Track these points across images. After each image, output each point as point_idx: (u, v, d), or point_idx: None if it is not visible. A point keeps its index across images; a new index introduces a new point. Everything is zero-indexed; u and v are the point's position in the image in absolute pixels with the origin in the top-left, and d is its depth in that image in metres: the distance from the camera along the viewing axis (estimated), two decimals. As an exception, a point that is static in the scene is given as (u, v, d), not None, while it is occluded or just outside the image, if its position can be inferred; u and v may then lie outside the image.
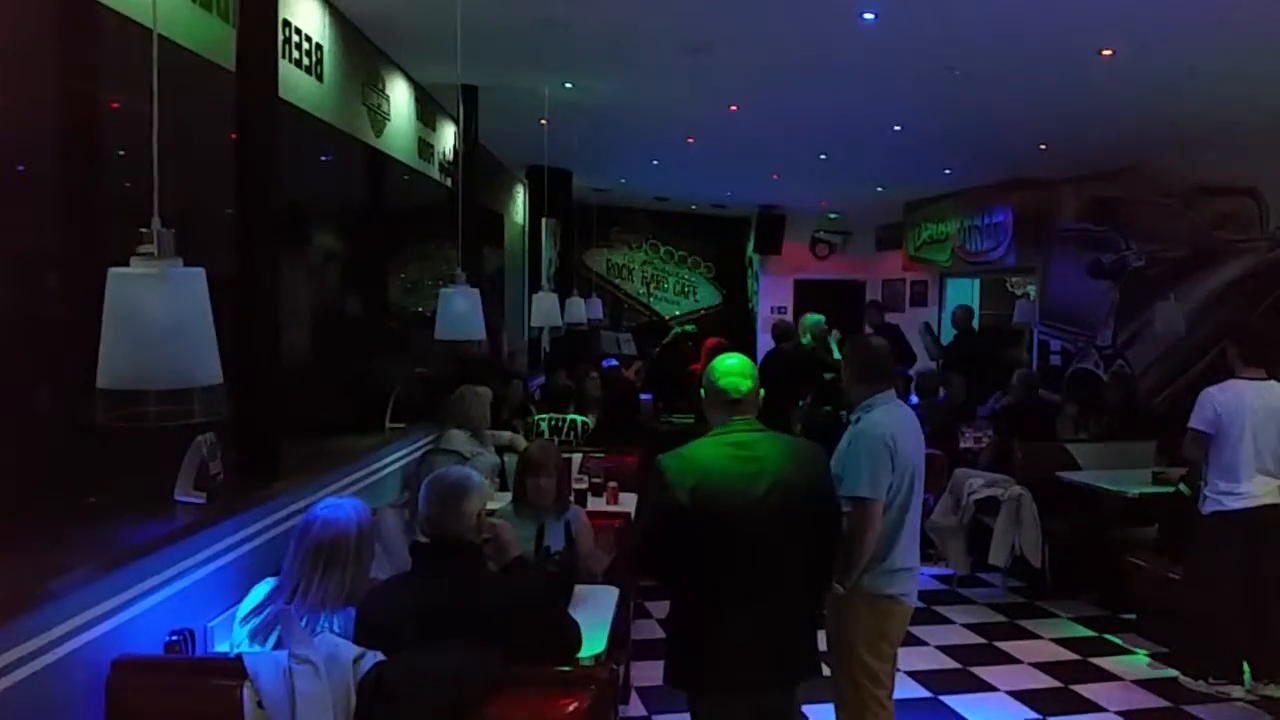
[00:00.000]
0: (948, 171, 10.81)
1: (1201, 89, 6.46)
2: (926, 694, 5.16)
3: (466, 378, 5.99)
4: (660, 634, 5.09)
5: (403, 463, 5.50)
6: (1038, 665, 5.59)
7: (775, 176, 11.86)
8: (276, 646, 2.83)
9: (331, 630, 2.84)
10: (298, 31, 4.78)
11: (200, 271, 1.97)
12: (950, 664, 5.61)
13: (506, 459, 5.66)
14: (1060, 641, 5.98)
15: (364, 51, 5.89)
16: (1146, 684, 5.33)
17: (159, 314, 1.91)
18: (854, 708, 3.65)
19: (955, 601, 6.74)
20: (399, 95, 6.63)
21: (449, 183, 7.90)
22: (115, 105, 3.43)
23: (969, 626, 6.24)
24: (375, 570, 3.18)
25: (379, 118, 6.20)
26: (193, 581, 3.07)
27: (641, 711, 4.80)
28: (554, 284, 10.75)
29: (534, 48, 6.06)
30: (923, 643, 5.86)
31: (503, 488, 5.24)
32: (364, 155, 6.12)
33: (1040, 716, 4.93)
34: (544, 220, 11.19)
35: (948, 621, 6.33)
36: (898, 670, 3.85)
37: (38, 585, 2.44)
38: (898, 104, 7.46)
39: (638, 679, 4.96)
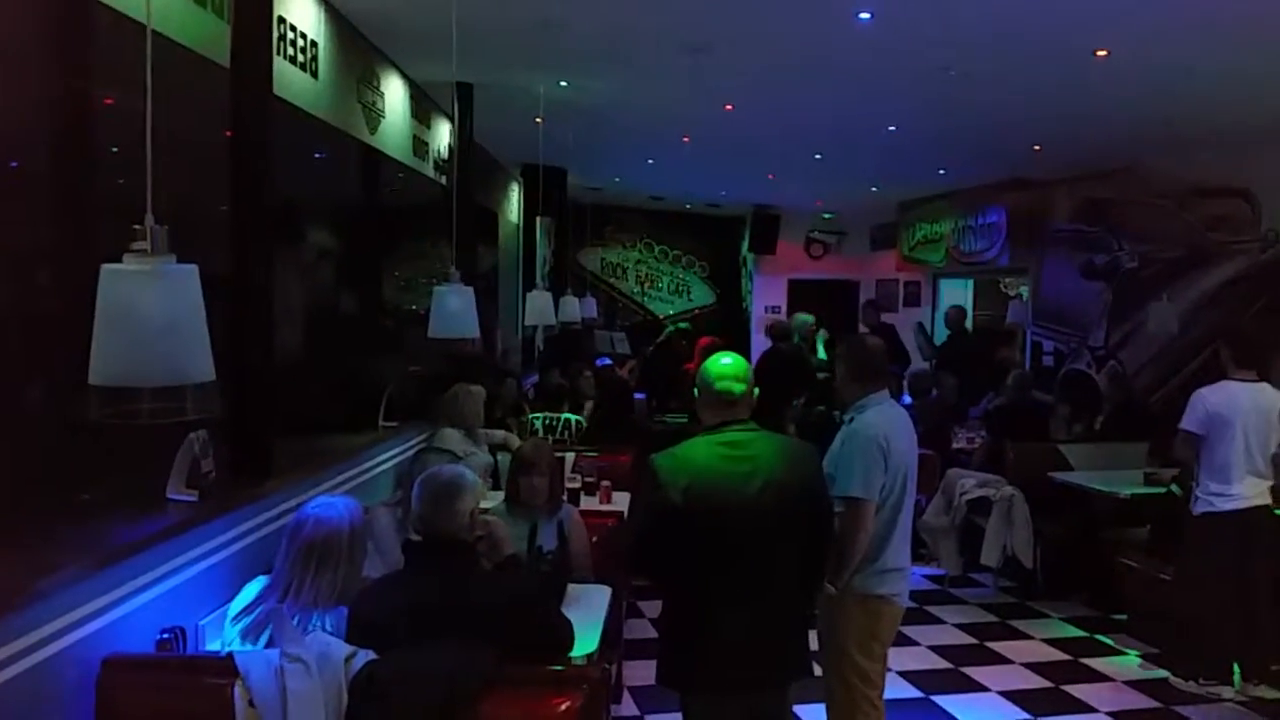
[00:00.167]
0: (942, 172, 10.83)
1: (1196, 90, 6.47)
2: (918, 694, 5.17)
3: (460, 376, 5.98)
4: (653, 634, 5.09)
5: (395, 461, 5.49)
6: (1029, 665, 5.60)
7: (770, 176, 11.87)
8: (268, 645, 2.82)
9: (324, 629, 2.83)
10: (293, 28, 4.77)
11: (193, 268, 1.97)
12: (942, 664, 5.62)
13: (500, 458, 5.66)
14: (1051, 642, 5.99)
15: (359, 48, 5.88)
16: (1137, 685, 5.35)
17: (152, 311, 1.90)
18: (845, 708, 3.66)
19: (947, 601, 6.76)
20: (394, 92, 6.62)
21: (444, 180, 7.89)
22: (109, 102, 3.41)
23: (960, 627, 6.25)
24: (367, 569, 3.18)
25: (374, 115, 6.19)
26: (184, 579, 3.06)
27: (634, 711, 4.80)
28: (548, 282, 10.75)
29: (529, 46, 6.05)
30: (914, 643, 5.87)
31: (496, 486, 5.23)
32: (359, 152, 6.11)
33: (1031, 717, 4.94)
34: (539, 218, 11.18)
35: (939, 621, 6.34)
36: (889, 670, 3.86)
37: (28, 583, 2.43)
38: (893, 104, 7.47)
39: (630, 678, 4.97)
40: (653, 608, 5.58)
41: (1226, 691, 5.12)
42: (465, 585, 2.85)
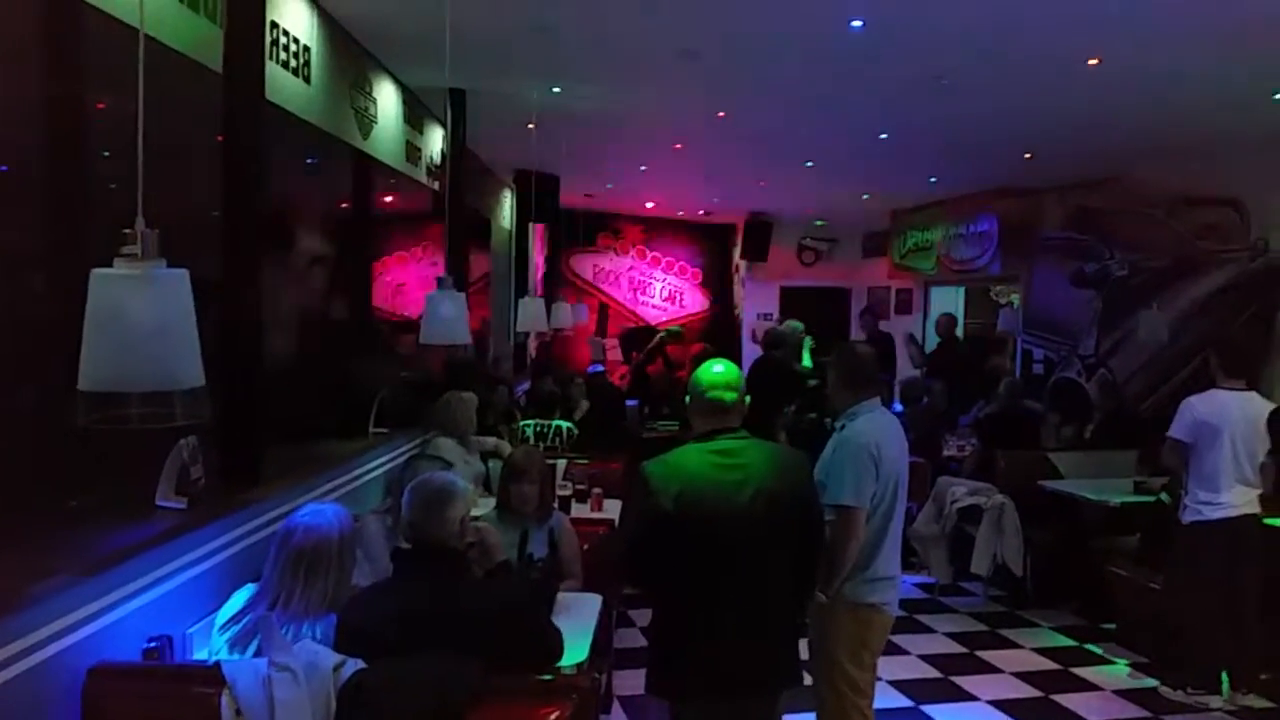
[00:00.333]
0: (933, 180, 10.86)
1: (1186, 99, 6.51)
2: (908, 703, 5.17)
3: (452, 383, 5.97)
4: (643, 643, 5.07)
5: (386, 468, 5.47)
6: (1019, 675, 5.61)
7: (762, 183, 11.89)
8: (257, 654, 2.80)
9: (313, 638, 2.82)
10: (285, 33, 4.76)
11: (184, 273, 1.96)
12: (932, 673, 5.62)
13: (491, 465, 5.65)
14: (1041, 651, 6.00)
15: (352, 54, 5.87)
16: (1126, 694, 5.35)
17: (142, 316, 1.89)
18: (835, 716, 3.66)
19: (937, 610, 6.76)
20: (387, 98, 6.62)
21: (436, 186, 7.89)
22: (100, 106, 3.40)
23: (950, 635, 6.25)
24: (356, 577, 3.16)
25: (366, 121, 6.18)
26: (172, 587, 3.04)
27: None
28: (541, 289, 10.74)
29: (523, 52, 6.05)
30: (904, 651, 5.87)
31: (488, 493, 5.22)
32: (351, 158, 6.10)
33: (1021, 726, 4.95)
34: (531, 225, 11.18)
35: (929, 630, 6.34)
36: (879, 679, 3.86)
37: (13, 590, 2.41)
38: (884, 112, 7.49)
39: (620, 688, 4.95)
40: (643, 616, 5.57)
41: (1215, 700, 5.13)
42: (455, 593, 2.84)
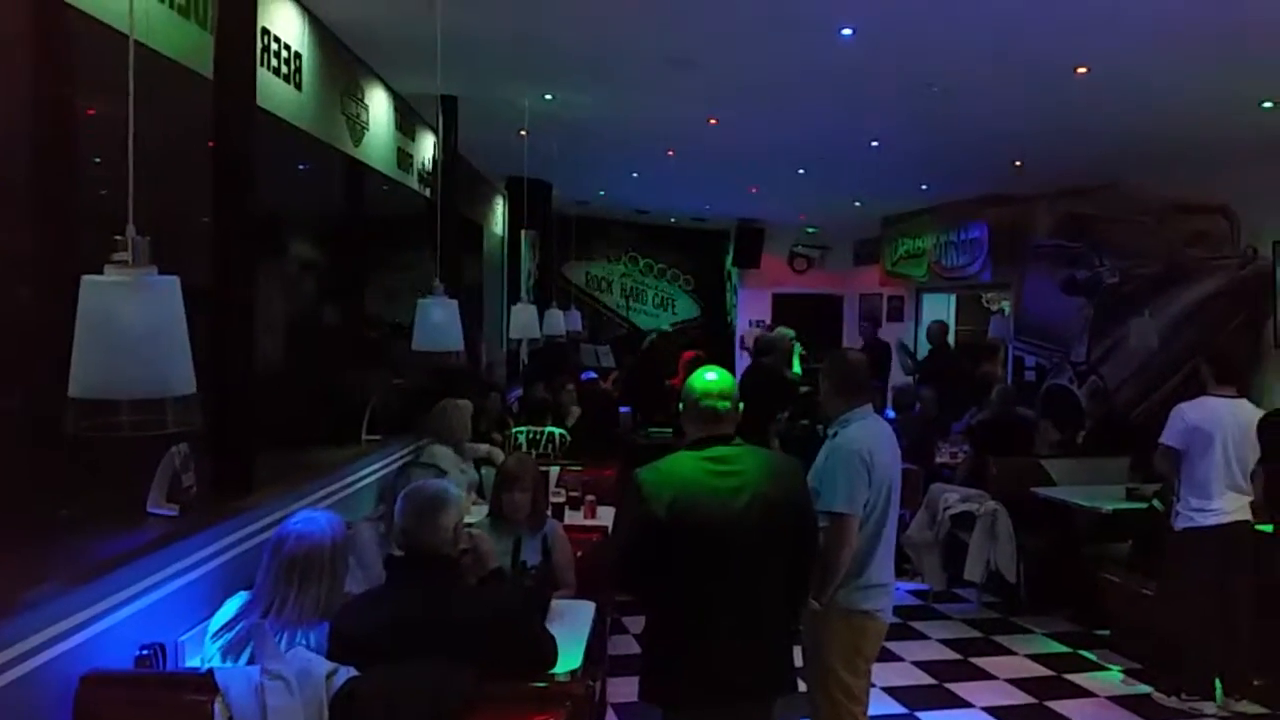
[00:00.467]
0: (924, 187, 10.90)
1: (1174, 108, 6.54)
2: (902, 710, 5.16)
3: (444, 389, 5.95)
4: (637, 650, 5.06)
5: (378, 475, 5.45)
6: (1012, 681, 5.61)
7: (754, 190, 11.91)
8: (250, 662, 2.79)
9: (307, 646, 2.80)
10: (276, 40, 4.76)
11: (175, 280, 1.95)
12: (926, 680, 5.61)
13: (484, 471, 5.63)
14: (1034, 657, 6.00)
15: (343, 61, 5.87)
16: (1120, 700, 5.35)
17: (133, 322, 1.89)
18: (830, 723, 3.65)
19: (930, 617, 6.76)
20: (378, 105, 6.61)
21: (428, 193, 7.88)
22: (91, 112, 3.39)
23: (944, 642, 6.25)
24: (349, 584, 3.15)
25: (358, 127, 6.18)
26: (164, 595, 3.03)
27: (617, 727, 4.78)
28: (533, 296, 10.73)
29: (514, 59, 6.06)
30: (898, 658, 5.86)
31: (481, 500, 5.21)
32: (342, 165, 6.09)
33: (1015, 732, 4.95)
34: (523, 232, 11.18)
35: (923, 637, 6.34)
36: (873, 686, 3.85)
37: (5, 598, 2.39)
38: (875, 119, 7.51)
39: (614, 695, 4.94)
40: (637, 623, 5.55)
41: (1208, 707, 5.13)
42: (448, 600, 2.83)
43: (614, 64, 6.22)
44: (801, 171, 10.02)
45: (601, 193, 12.82)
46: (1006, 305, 11.57)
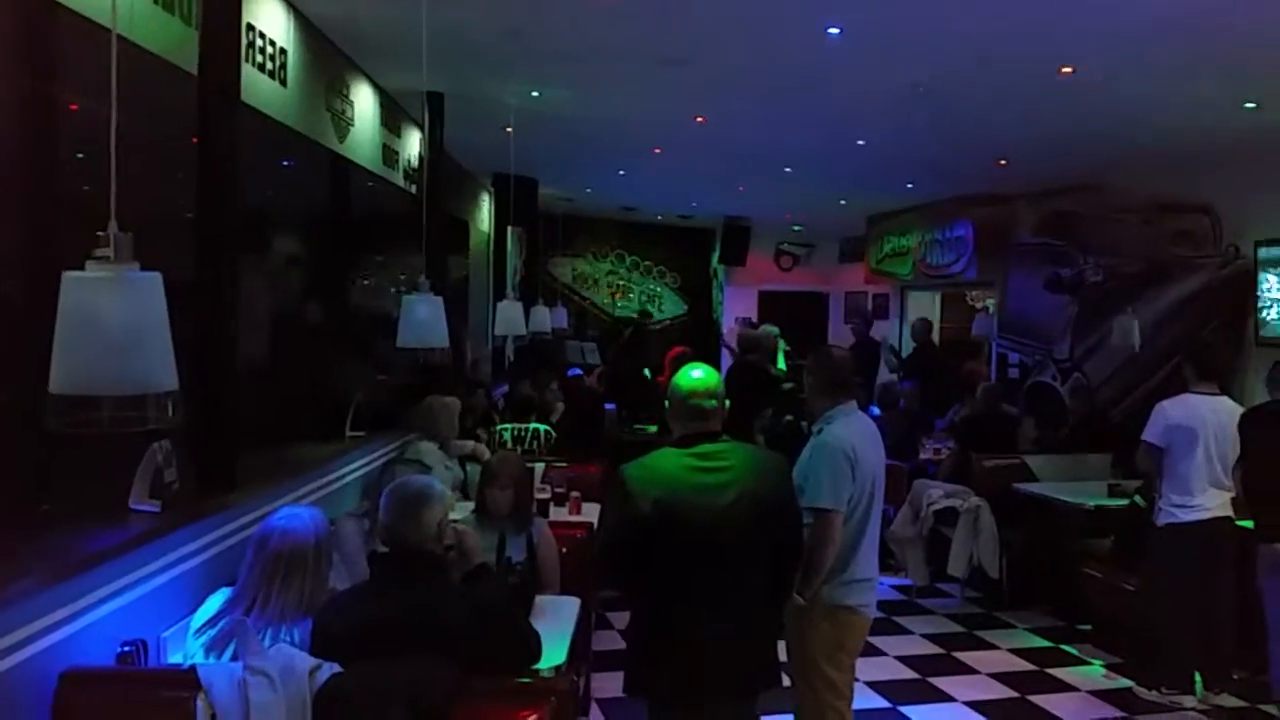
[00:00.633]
0: (910, 185, 10.93)
1: (1158, 108, 6.59)
2: (885, 704, 5.19)
3: (429, 386, 5.94)
4: (622, 645, 5.07)
5: (362, 472, 5.44)
6: (995, 676, 5.64)
7: (741, 188, 11.93)
8: (233, 659, 2.79)
9: (290, 642, 2.80)
10: (261, 35, 4.74)
11: (157, 276, 1.95)
12: (909, 674, 5.64)
13: (470, 469, 5.63)
14: (1017, 652, 6.04)
15: (328, 56, 5.85)
16: (1101, 694, 5.40)
17: (114, 319, 1.88)
18: (814, 718, 3.67)
19: (914, 612, 6.79)
20: (363, 101, 6.60)
21: (413, 190, 7.86)
22: (74, 107, 3.37)
23: (927, 637, 6.28)
24: (333, 580, 3.15)
25: (343, 123, 6.16)
26: (146, 591, 3.02)
27: (602, 723, 4.78)
28: (519, 293, 10.72)
29: (500, 56, 6.05)
30: (882, 653, 5.89)
31: (466, 497, 5.21)
32: (327, 161, 6.07)
33: (997, 727, 4.97)
34: (509, 228, 11.17)
35: (906, 632, 6.37)
36: (857, 680, 3.87)
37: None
38: (861, 118, 7.54)
39: (598, 690, 4.94)
40: (622, 619, 5.57)
41: (1189, 700, 5.17)
42: (431, 597, 2.83)
43: (601, 61, 6.22)
44: (788, 170, 10.03)
45: (588, 190, 12.81)
46: (991, 303, 11.62)
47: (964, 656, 5.95)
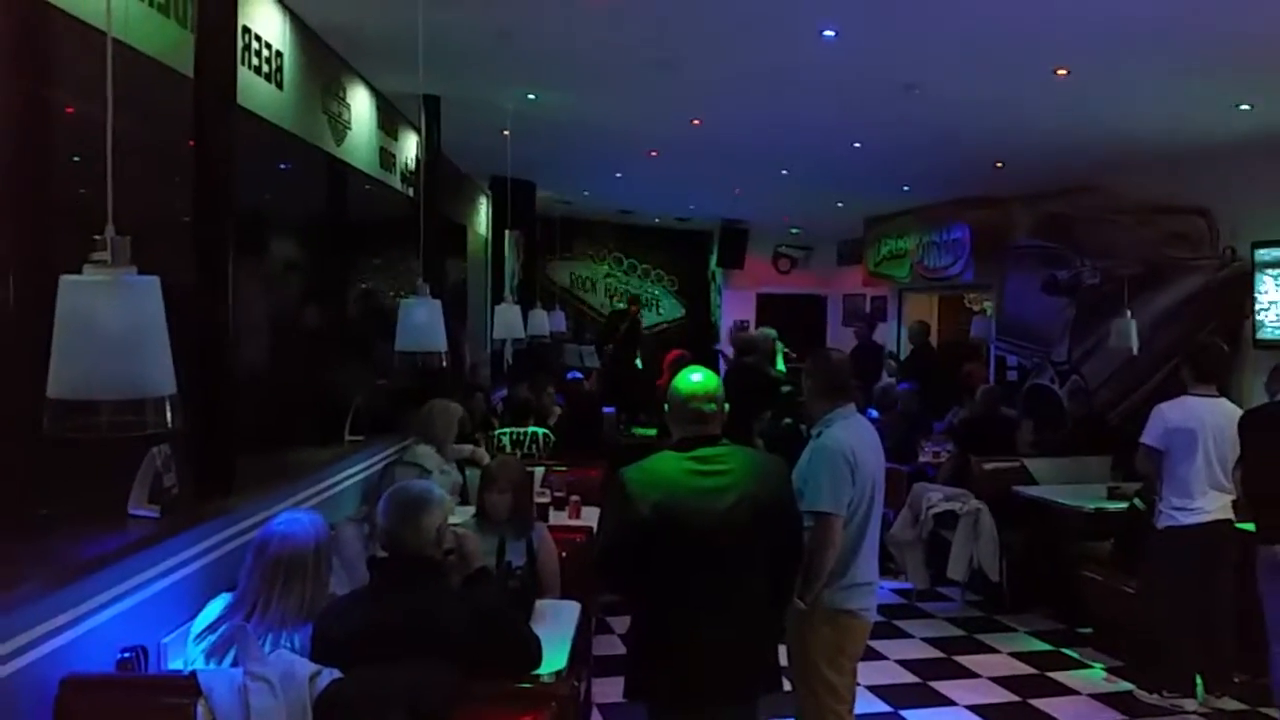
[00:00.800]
0: (906, 188, 10.94)
1: (1153, 110, 6.59)
2: (886, 708, 5.18)
3: (428, 390, 5.93)
4: (622, 650, 5.06)
5: (362, 476, 5.43)
6: (995, 679, 5.63)
7: (738, 191, 11.93)
8: (233, 665, 2.77)
9: (290, 647, 2.79)
10: (257, 38, 4.73)
11: (154, 280, 1.93)
12: (909, 678, 5.63)
13: (469, 472, 5.61)
14: (1018, 655, 6.03)
15: (325, 59, 5.84)
16: (1102, 697, 5.39)
17: (112, 323, 1.87)
18: (815, 722, 3.66)
19: (914, 615, 6.78)
20: (360, 104, 6.59)
21: (411, 193, 7.85)
22: (70, 110, 3.36)
23: (928, 640, 6.28)
24: (333, 585, 3.14)
25: (340, 126, 6.15)
26: (146, 597, 3.00)
27: (602, 727, 4.77)
28: (517, 296, 10.71)
29: (496, 59, 6.05)
30: (882, 657, 5.88)
31: (465, 502, 5.20)
32: (324, 164, 6.06)
33: (998, 730, 4.97)
34: (507, 232, 11.17)
35: (907, 636, 6.36)
36: (858, 685, 3.86)
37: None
38: (857, 121, 7.54)
39: (599, 695, 4.93)
40: (622, 624, 5.56)
41: (1189, 703, 5.17)
42: (431, 601, 2.82)
43: (597, 64, 6.22)
44: (785, 173, 10.04)
45: (585, 193, 12.82)
46: (989, 305, 11.63)
47: (964, 660, 5.94)
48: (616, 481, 3.13)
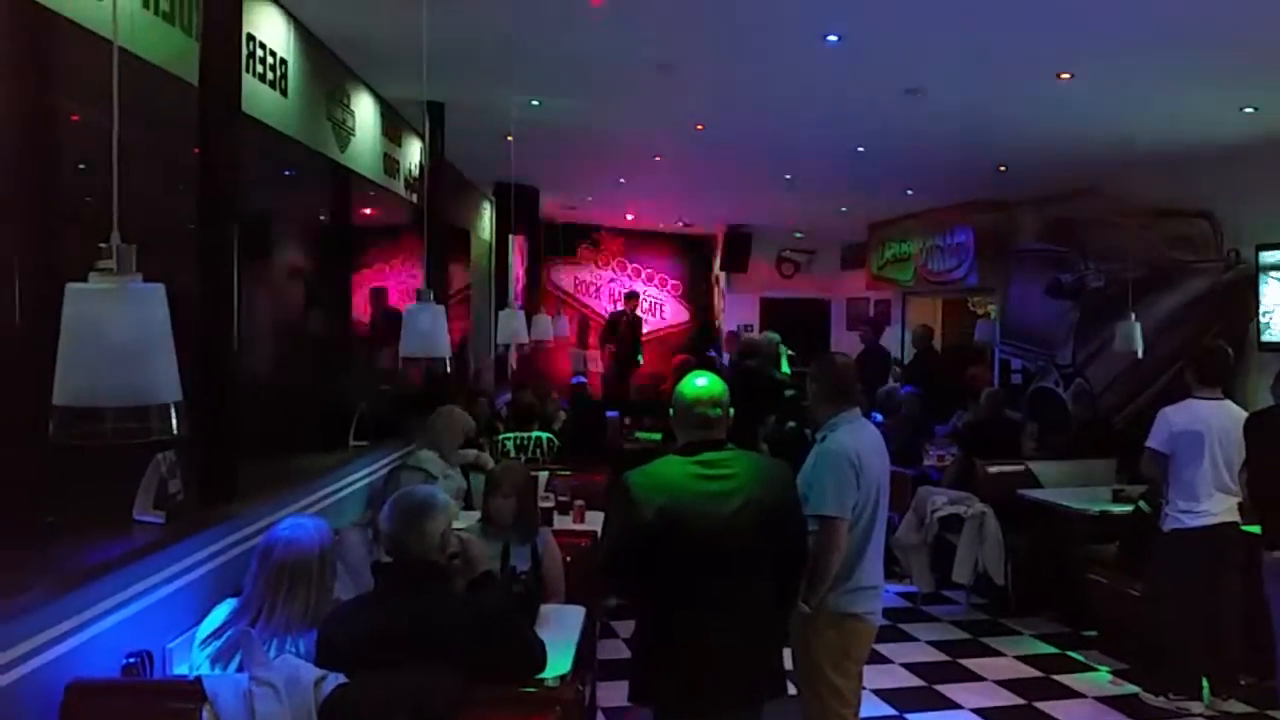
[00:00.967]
0: (910, 192, 10.93)
1: (1157, 113, 6.58)
2: (892, 712, 5.17)
3: (432, 395, 5.93)
4: (627, 654, 5.06)
5: (366, 481, 5.44)
6: (1001, 683, 5.62)
7: (741, 195, 11.93)
8: (239, 670, 2.78)
9: (296, 653, 2.80)
10: (262, 46, 4.75)
11: (160, 287, 1.94)
12: (915, 682, 5.63)
13: (473, 477, 5.62)
14: (1023, 659, 6.02)
15: (329, 66, 5.86)
16: (1108, 700, 5.38)
17: (117, 330, 1.87)
18: (820, 726, 3.65)
19: (919, 619, 6.77)
20: (364, 111, 6.60)
21: (415, 199, 7.87)
22: (75, 118, 3.38)
23: (933, 644, 6.27)
24: (338, 590, 3.14)
25: (344, 133, 6.17)
26: (151, 602, 3.01)
27: (607, 732, 4.77)
28: (521, 301, 10.73)
29: (500, 65, 6.06)
30: (888, 660, 5.88)
31: (470, 507, 5.20)
32: (328, 170, 6.07)
33: (1004, 733, 4.96)
34: (510, 237, 11.18)
35: (912, 639, 6.35)
36: (863, 688, 3.86)
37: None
38: (861, 125, 7.54)
39: (604, 699, 4.93)
40: (627, 628, 5.55)
41: (1196, 706, 5.16)
42: (435, 607, 2.82)
43: (600, 70, 6.23)
44: (788, 177, 10.04)
45: (589, 198, 12.83)
46: (993, 309, 11.62)
47: (970, 663, 5.94)
48: (621, 485, 3.14)
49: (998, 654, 6.11)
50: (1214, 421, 5.09)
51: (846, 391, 3.80)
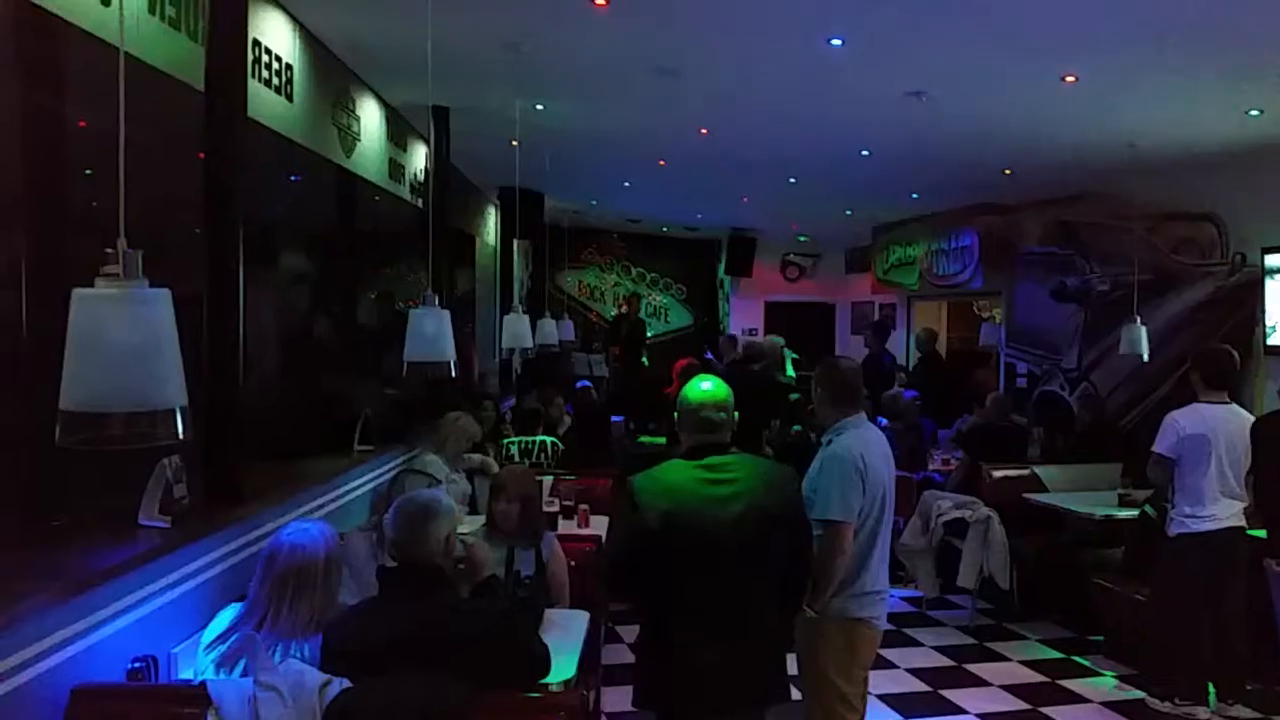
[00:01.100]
0: (915, 196, 10.93)
1: (1162, 116, 6.57)
2: (897, 717, 5.16)
3: (437, 400, 5.94)
4: (631, 659, 5.05)
5: (371, 486, 5.45)
6: (1006, 688, 5.61)
7: (745, 199, 11.94)
8: (243, 675, 2.78)
9: (300, 657, 2.80)
10: (268, 51, 4.76)
11: (166, 293, 1.95)
12: (920, 687, 5.62)
13: (478, 482, 5.62)
14: (1028, 663, 6.01)
15: (334, 72, 5.88)
16: (1114, 706, 5.36)
17: (124, 335, 1.88)
18: (825, 731, 3.65)
19: (924, 624, 6.76)
20: (369, 116, 6.62)
21: (420, 203, 7.89)
22: (82, 124, 3.39)
23: (938, 649, 6.25)
24: (343, 595, 3.14)
25: (349, 138, 6.19)
26: (156, 607, 3.02)
27: (611, 736, 4.76)
28: (525, 305, 10.73)
29: (505, 70, 6.07)
30: (893, 665, 5.86)
31: (474, 511, 5.20)
32: (334, 175, 6.09)
33: (1009, 739, 4.94)
34: (515, 241, 11.19)
35: (917, 644, 6.34)
36: (868, 693, 3.85)
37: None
38: (865, 128, 7.54)
39: (608, 704, 4.93)
40: (631, 633, 5.55)
41: (1202, 711, 5.14)
42: (439, 611, 2.82)
43: (605, 75, 6.24)
44: (792, 181, 10.04)
45: (594, 201, 12.85)
46: (998, 312, 11.61)
47: (975, 668, 5.92)
48: (626, 490, 3.14)
49: (1003, 659, 6.10)
50: (1221, 426, 5.07)
51: (852, 396, 3.80)
